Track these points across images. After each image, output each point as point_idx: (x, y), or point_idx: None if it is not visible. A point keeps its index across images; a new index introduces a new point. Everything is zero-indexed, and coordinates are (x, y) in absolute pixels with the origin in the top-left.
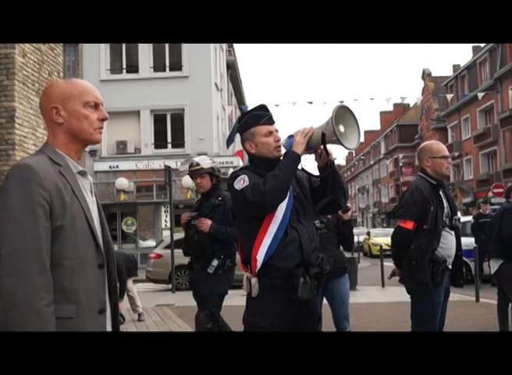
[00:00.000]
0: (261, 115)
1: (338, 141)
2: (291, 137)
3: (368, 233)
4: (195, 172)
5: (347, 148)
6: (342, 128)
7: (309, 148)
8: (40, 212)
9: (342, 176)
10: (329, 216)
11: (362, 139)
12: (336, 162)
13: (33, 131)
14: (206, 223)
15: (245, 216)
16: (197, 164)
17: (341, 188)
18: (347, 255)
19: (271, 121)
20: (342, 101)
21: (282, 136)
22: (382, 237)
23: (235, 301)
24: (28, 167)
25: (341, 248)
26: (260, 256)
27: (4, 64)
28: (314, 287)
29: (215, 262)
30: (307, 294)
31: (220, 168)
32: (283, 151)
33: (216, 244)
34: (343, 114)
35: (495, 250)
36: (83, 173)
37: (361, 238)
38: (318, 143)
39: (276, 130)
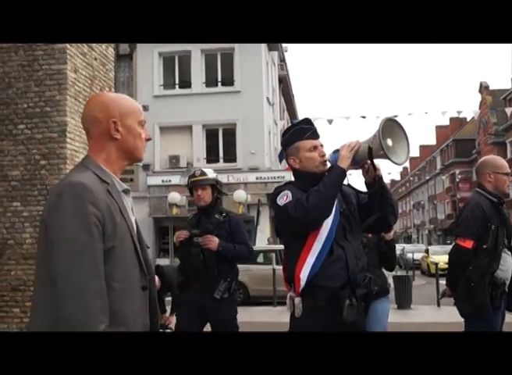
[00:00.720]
0: (306, 129)
1: (385, 156)
2: (337, 151)
3: (427, 251)
4: (197, 182)
5: (395, 163)
6: (390, 142)
7: (355, 163)
8: (96, 232)
9: (391, 193)
10: (370, 236)
11: (416, 153)
12: (390, 178)
13: (85, 146)
14: (214, 241)
15: (288, 232)
16: (202, 173)
17: (390, 205)
18: (402, 273)
19: (316, 135)
20: (396, 116)
21: (328, 152)
22: (441, 255)
23: (275, 317)
24: (82, 185)
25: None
26: (303, 275)
27: (56, 79)
28: (362, 308)
29: (222, 286)
30: (352, 316)
31: (272, 183)
32: (329, 166)
33: (223, 264)
34: (391, 127)
35: None
36: (126, 192)
37: (419, 256)
38: (364, 157)
39: (321, 145)
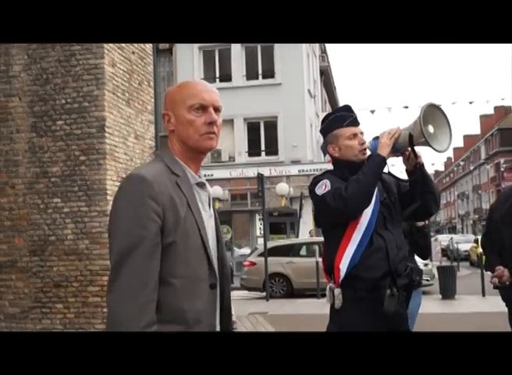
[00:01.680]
0: (345, 116)
1: (426, 143)
2: (376, 138)
3: (476, 241)
4: None
5: (437, 150)
6: (431, 128)
7: (396, 151)
8: (152, 227)
9: (433, 181)
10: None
11: (460, 143)
12: (434, 168)
13: (124, 140)
14: None
15: (328, 222)
16: None
17: (432, 193)
18: (446, 263)
19: (355, 123)
20: (440, 105)
21: (369, 140)
22: (464, 244)
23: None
24: (142, 178)
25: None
26: (343, 265)
27: (94, 74)
28: (403, 299)
29: None
30: (394, 307)
31: (314, 175)
32: (368, 154)
33: None
34: (433, 113)
35: None
36: (201, 185)
37: (468, 246)
38: (405, 145)
39: (361, 133)
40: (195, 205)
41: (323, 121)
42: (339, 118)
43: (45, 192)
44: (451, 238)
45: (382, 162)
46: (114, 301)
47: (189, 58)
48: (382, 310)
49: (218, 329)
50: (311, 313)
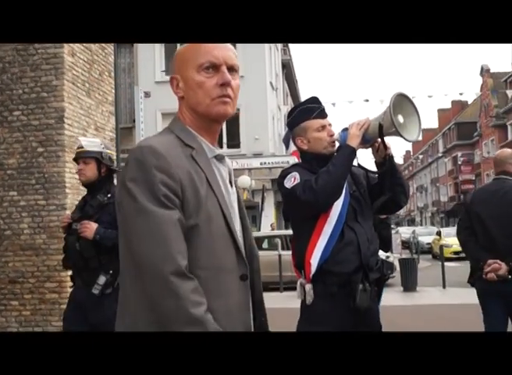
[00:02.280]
0: (313, 108)
1: (397, 133)
2: (345, 130)
3: (439, 233)
4: (79, 154)
5: (407, 140)
6: (401, 118)
7: (365, 142)
8: (168, 204)
9: (401, 173)
10: None
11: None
12: None
13: (84, 132)
14: (90, 227)
15: (297, 216)
16: (88, 145)
17: (401, 185)
18: (407, 255)
19: (323, 114)
20: (408, 95)
21: (337, 132)
22: (454, 237)
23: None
24: (151, 150)
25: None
26: (314, 260)
27: (53, 64)
28: (375, 294)
29: (101, 280)
30: (366, 302)
31: (276, 168)
32: (338, 145)
33: (104, 255)
34: (402, 103)
35: None
36: (220, 158)
37: (430, 239)
38: (375, 135)
39: (330, 124)
40: (215, 181)
41: (290, 114)
42: (306, 110)
43: (1, 185)
44: (413, 231)
45: (352, 153)
46: (159, 299)
47: (150, 50)
48: (355, 306)
49: (252, 327)
50: (275, 307)
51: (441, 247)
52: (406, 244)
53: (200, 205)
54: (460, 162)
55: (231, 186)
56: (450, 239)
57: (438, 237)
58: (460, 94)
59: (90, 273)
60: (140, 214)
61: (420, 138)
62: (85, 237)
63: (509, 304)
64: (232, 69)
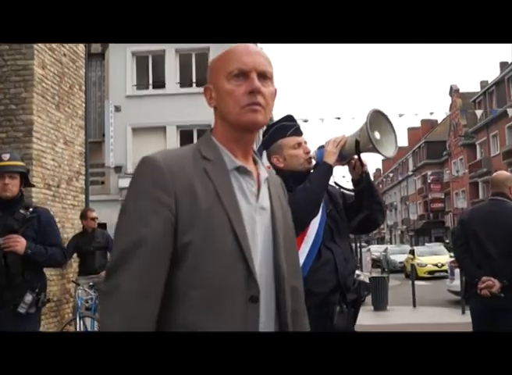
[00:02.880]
0: (289, 126)
1: (374, 149)
2: (322, 147)
3: (412, 252)
4: (5, 168)
5: (385, 156)
6: (377, 134)
7: (342, 159)
8: (156, 224)
9: (378, 191)
10: None
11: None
12: None
13: (52, 146)
14: (20, 242)
15: None
16: (12, 158)
17: (378, 203)
18: (377, 274)
19: (298, 132)
20: (384, 112)
21: (313, 149)
22: (428, 256)
23: None
24: (152, 162)
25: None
26: None
27: (22, 76)
28: (352, 315)
29: (28, 298)
30: (343, 323)
31: None
32: (314, 163)
33: (30, 271)
34: (378, 120)
35: None
36: (243, 171)
37: (402, 258)
38: (351, 152)
39: (305, 142)
40: (228, 194)
41: (265, 132)
42: (281, 128)
43: None
44: (386, 249)
45: (329, 170)
46: (106, 310)
47: (121, 63)
48: (332, 327)
49: None
50: None
51: (412, 266)
52: (377, 263)
53: (197, 220)
54: (429, 181)
55: (257, 199)
56: (424, 258)
57: (411, 255)
58: (430, 113)
59: (12, 291)
60: (124, 233)
61: (393, 154)
62: (14, 252)
63: (501, 318)
64: (263, 75)
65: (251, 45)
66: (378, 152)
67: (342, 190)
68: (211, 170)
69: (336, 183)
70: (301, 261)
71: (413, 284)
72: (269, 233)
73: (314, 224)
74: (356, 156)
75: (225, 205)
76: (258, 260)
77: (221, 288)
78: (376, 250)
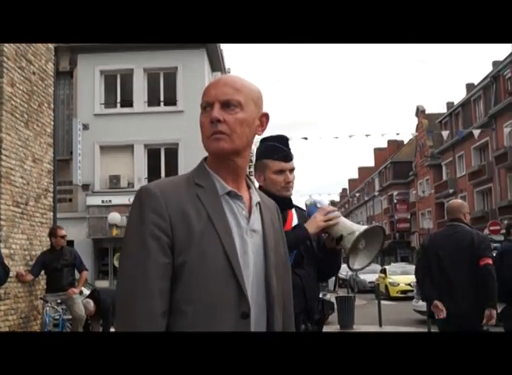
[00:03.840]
0: (279, 149)
1: (346, 256)
2: (316, 207)
3: (384, 271)
4: None
5: (348, 267)
6: (362, 244)
7: (323, 231)
8: (153, 244)
9: (341, 256)
10: None
11: (356, 175)
12: (330, 199)
13: (21, 163)
14: None
15: None
16: None
17: (338, 267)
18: (343, 293)
19: (286, 158)
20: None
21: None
22: (401, 275)
23: None
24: (146, 191)
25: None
26: None
27: None
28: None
29: None
30: None
31: None
32: (290, 193)
33: None
34: (374, 234)
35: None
36: (233, 195)
37: (373, 277)
38: (333, 235)
39: (291, 170)
40: (220, 217)
41: (260, 143)
42: (271, 148)
43: None
44: None
45: (306, 238)
46: (118, 326)
47: (90, 81)
48: None
49: None
50: None
51: (378, 285)
52: (345, 283)
53: (192, 242)
54: (395, 201)
55: (248, 221)
56: (396, 277)
57: (383, 275)
58: (397, 134)
59: None
60: (127, 257)
61: (359, 269)
62: None
63: (464, 326)
64: (227, 104)
65: (224, 78)
66: (347, 264)
67: None
68: (203, 196)
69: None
70: None
71: (379, 304)
72: (261, 253)
73: None
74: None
75: (217, 228)
76: (250, 279)
77: (213, 305)
78: (343, 269)
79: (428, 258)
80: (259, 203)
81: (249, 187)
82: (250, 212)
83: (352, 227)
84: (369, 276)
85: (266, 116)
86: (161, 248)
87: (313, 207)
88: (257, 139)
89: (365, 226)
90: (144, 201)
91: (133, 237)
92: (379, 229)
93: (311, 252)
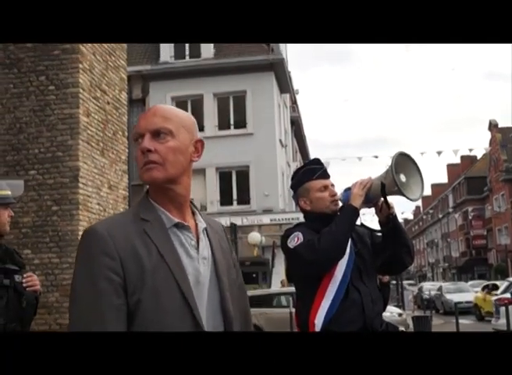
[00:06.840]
0: (315, 169)
1: (399, 192)
2: (348, 189)
3: (440, 289)
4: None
5: (410, 199)
6: (403, 177)
7: (368, 201)
8: (106, 286)
9: (406, 232)
10: None
11: (429, 192)
12: (404, 217)
13: (98, 191)
14: (36, 279)
15: (301, 276)
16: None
17: (405, 245)
18: (419, 313)
19: (325, 175)
20: (410, 154)
21: (340, 191)
22: (455, 293)
23: None
24: (93, 233)
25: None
26: (318, 321)
27: (68, 124)
28: None
29: None
30: None
31: (286, 224)
32: (341, 205)
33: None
34: (404, 163)
35: None
36: (181, 226)
37: (469, 297)
38: (377, 195)
39: (332, 185)
40: (170, 251)
41: (293, 176)
42: (308, 171)
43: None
44: (440, 287)
45: (355, 212)
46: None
47: None
48: None
49: None
50: None
51: (455, 304)
52: (432, 304)
53: (144, 280)
54: (470, 217)
55: (197, 251)
56: (451, 295)
57: (439, 292)
58: (470, 150)
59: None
60: (79, 301)
61: (419, 197)
62: (34, 291)
63: None
64: (157, 133)
65: (153, 108)
66: (404, 195)
67: (369, 230)
68: (150, 230)
69: (362, 224)
70: (328, 302)
71: (457, 322)
72: (214, 279)
73: (342, 264)
74: (382, 199)
75: (168, 263)
76: (205, 308)
77: None
78: (430, 288)
79: None
80: (205, 229)
81: (194, 214)
82: (198, 240)
83: (384, 172)
84: (458, 296)
85: (201, 142)
86: (114, 290)
87: (346, 192)
88: (200, 166)
89: (391, 162)
90: (92, 243)
91: (84, 280)
92: (401, 156)
93: (369, 263)
